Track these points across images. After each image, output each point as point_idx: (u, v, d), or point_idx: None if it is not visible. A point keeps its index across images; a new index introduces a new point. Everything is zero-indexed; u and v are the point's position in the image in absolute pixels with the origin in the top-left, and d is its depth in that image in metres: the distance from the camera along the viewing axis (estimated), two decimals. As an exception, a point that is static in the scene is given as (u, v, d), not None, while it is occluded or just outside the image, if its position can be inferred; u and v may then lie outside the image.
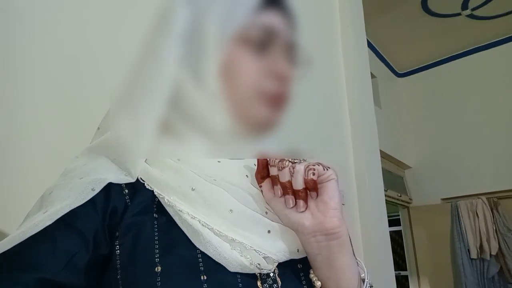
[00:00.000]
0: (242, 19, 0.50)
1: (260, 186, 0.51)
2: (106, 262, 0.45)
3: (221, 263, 0.44)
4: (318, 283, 0.49)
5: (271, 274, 0.48)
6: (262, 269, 0.46)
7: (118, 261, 0.44)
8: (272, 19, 0.52)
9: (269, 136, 0.53)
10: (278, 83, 0.51)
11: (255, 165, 0.52)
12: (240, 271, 0.45)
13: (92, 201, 0.44)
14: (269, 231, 0.48)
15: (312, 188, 0.47)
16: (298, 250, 0.49)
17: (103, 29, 0.72)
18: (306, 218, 0.48)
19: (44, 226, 0.41)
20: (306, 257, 0.51)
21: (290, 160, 0.48)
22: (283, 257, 0.48)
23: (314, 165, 0.47)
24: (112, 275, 0.44)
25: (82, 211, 0.44)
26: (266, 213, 0.50)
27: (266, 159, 0.50)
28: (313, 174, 0.46)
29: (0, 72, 0.72)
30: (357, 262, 0.52)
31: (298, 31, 0.55)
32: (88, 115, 0.56)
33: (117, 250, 0.44)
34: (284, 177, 0.48)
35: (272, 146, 0.53)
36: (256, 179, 0.51)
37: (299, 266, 0.51)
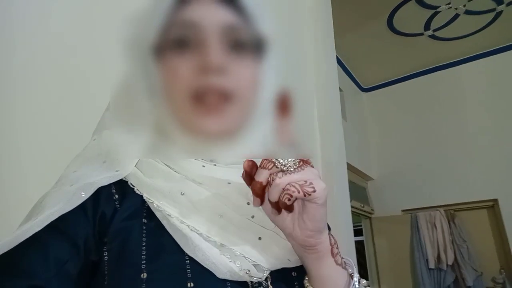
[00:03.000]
0: (162, 20, 0.45)
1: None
2: (95, 268, 0.44)
3: (210, 269, 0.43)
4: None
5: (263, 282, 0.47)
6: (252, 276, 0.45)
7: (106, 267, 0.43)
8: (192, 12, 0.45)
9: (231, 144, 0.46)
10: (208, 75, 0.44)
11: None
12: (230, 278, 0.44)
13: (83, 207, 0.44)
14: (259, 238, 0.47)
15: (285, 207, 0.41)
16: (289, 260, 0.48)
17: (105, 29, 0.71)
18: (287, 226, 0.44)
19: (33, 233, 0.40)
20: (301, 265, 0.49)
21: (279, 165, 0.41)
22: (273, 266, 0.47)
23: (294, 189, 0.40)
24: (99, 281, 0.43)
25: (73, 216, 0.43)
26: (253, 217, 0.48)
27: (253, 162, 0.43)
28: (288, 199, 0.40)
29: (0, 72, 0.70)
30: (344, 261, 0.50)
31: (243, 14, 0.47)
32: (90, 115, 0.55)
33: (105, 255, 0.44)
34: (259, 176, 0.41)
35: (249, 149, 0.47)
36: (246, 182, 0.44)
37: (293, 274, 0.50)
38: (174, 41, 0.45)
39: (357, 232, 4.48)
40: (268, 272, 0.47)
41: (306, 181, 0.40)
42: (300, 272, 0.50)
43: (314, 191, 0.40)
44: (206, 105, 0.44)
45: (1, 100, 0.71)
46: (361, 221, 4.34)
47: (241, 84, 0.46)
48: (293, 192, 0.39)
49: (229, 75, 0.44)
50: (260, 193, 0.41)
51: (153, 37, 0.45)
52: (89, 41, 0.79)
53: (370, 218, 4.27)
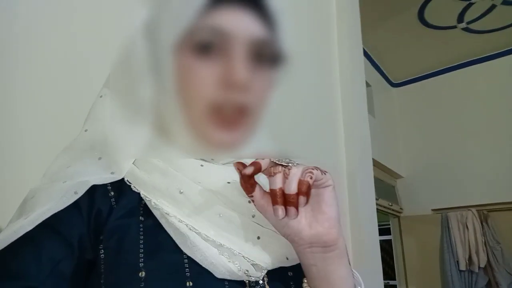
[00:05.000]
0: (190, 22, 0.44)
1: (251, 196, 0.44)
2: (91, 267, 0.43)
3: (208, 269, 0.43)
4: None
5: (260, 282, 0.46)
6: (250, 276, 0.44)
7: (102, 265, 0.43)
8: (223, 18, 0.44)
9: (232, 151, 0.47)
10: (233, 91, 0.44)
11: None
12: (228, 278, 0.44)
13: (76, 205, 0.43)
14: (258, 237, 0.46)
15: (304, 192, 0.41)
16: (287, 258, 0.48)
17: (107, 29, 0.71)
18: (303, 228, 0.43)
19: (24, 232, 0.40)
20: (297, 264, 0.49)
21: (283, 164, 0.43)
22: (272, 265, 0.46)
23: (312, 169, 0.42)
24: (95, 280, 0.43)
25: (67, 215, 0.42)
26: (253, 216, 0.47)
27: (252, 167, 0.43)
28: (311, 177, 0.41)
29: (0, 72, 0.71)
30: (352, 274, 0.49)
31: (272, 27, 0.47)
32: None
33: (101, 254, 0.43)
34: (275, 183, 0.41)
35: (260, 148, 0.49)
36: (245, 190, 0.44)
37: (289, 274, 0.50)
38: (198, 43, 0.44)
39: (385, 231, 4.40)
40: (265, 271, 0.46)
41: (313, 168, 0.42)
42: (296, 272, 0.50)
43: (327, 171, 0.43)
44: (223, 119, 0.45)
45: (1, 100, 0.71)
46: (389, 220, 4.25)
47: (258, 99, 0.47)
48: (313, 169, 0.41)
49: (250, 92, 0.45)
50: (283, 199, 0.41)
51: (176, 34, 0.44)
52: (92, 40, 0.79)
53: (398, 217, 4.18)
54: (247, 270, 0.44)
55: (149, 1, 0.48)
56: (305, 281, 0.48)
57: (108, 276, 0.42)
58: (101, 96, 0.51)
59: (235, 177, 0.45)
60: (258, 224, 0.47)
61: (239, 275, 0.44)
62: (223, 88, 0.44)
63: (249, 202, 0.46)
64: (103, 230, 0.44)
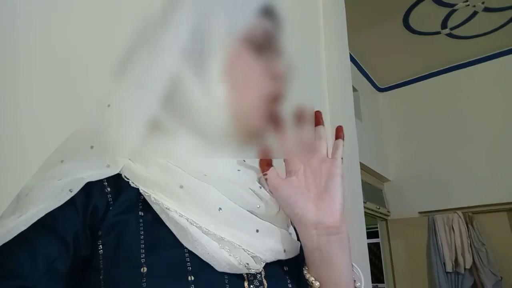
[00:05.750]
0: (247, 20, 0.51)
1: (265, 174, 0.50)
2: (88, 264, 0.43)
3: (209, 263, 0.43)
4: (317, 284, 0.48)
5: (258, 275, 0.47)
6: (250, 269, 0.45)
7: (101, 261, 0.42)
8: (269, 25, 0.53)
9: (256, 143, 0.51)
10: (277, 83, 0.51)
11: (244, 161, 0.53)
12: (228, 271, 0.44)
13: (72, 201, 0.42)
14: (257, 230, 0.47)
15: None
16: (285, 250, 0.49)
17: (108, 28, 0.71)
18: (309, 209, 0.48)
19: (18, 232, 0.39)
20: (293, 259, 0.50)
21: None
22: (270, 257, 0.47)
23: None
24: (93, 276, 0.42)
25: (62, 212, 0.42)
26: (259, 206, 0.48)
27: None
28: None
29: (1, 72, 0.71)
30: (352, 268, 0.51)
31: (284, 42, 0.55)
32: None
33: (100, 250, 0.42)
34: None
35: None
36: (261, 167, 0.51)
37: (285, 269, 0.51)
38: (252, 41, 0.51)
39: (373, 234, 4.43)
40: (264, 264, 0.47)
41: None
42: (292, 266, 0.51)
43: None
44: (271, 116, 0.51)
45: (2, 100, 0.71)
46: (377, 223, 4.28)
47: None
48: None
49: (286, 85, 0.53)
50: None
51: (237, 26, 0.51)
52: (93, 39, 0.79)
53: (386, 220, 4.21)
54: (247, 263, 0.44)
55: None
56: (306, 269, 0.50)
57: (108, 272, 0.42)
58: (109, 105, 0.50)
59: (236, 169, 0.51)
60: (257, 217, 0.48)
61: (239, 268, 0.44)
62: (270, 79, 0.51)
63: (251, 194, 0.49)
64: (100, 226, 0.43)
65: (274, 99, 0.51)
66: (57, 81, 0.76)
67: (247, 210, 0.47)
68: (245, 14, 0.51)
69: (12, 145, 0.70)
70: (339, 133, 0.55)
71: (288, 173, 0.53)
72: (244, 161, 0.53)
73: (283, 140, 0.50)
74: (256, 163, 0.53)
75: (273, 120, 0.50)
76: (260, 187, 0.51)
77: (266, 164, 0.51)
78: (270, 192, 0.51)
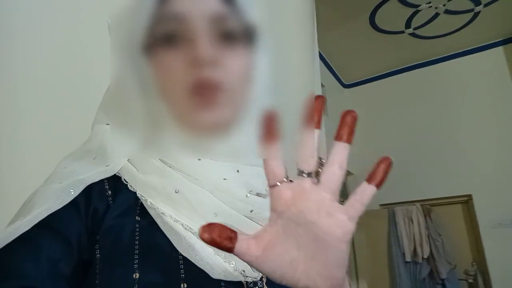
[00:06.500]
0: (147, 17, 0.43)
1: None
2: (88, 268, 0.42)
3: (204, 269, 0.42)
4: None
5: (259, 283, 0.45)
6: (247, 276, 0.43)
7: (98, 265, 0.41)
8: (178, 4, 0.43)
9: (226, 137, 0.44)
10: (201, 69, 0.42)
11: (238, 171, 0.48)
12: (224, 278, 0.42)
13: (74, 203, 0.42)
14: None
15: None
16: None
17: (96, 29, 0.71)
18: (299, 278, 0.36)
19: (20, 233, 0.38)
20: None
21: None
22: None
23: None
24: (91, 281, 0.41)
25: (65, 214, 0.41)
26: (251, 211, 0.46)
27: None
28: None
29: (1, 72, 0.69)
30: None
31: (228, 1, 0.45)
32: (91, 115, 0.55)
33: (97, 254, 0.42)
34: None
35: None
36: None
37: None
38: (162, 36, 0.43)
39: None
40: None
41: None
42: None
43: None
44: (200, 98, 0.42)
45: (2, 100, 0.70)
46: (340, 215, 4.37)
47: (233, 75, 0.44)
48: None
49: (221, 67, 0.43)
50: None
51: (141, 34, 0.43)
52: (93, 41, 0.78)
53: (349, 212, 4.30)
54: (243, 270, 0.43)
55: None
56: None
57: (102, 276, 0.41)
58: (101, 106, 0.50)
59: (232, 174, 0.46)
60: (254, 222, 0.46)
61: (235, 275, 0.43)
62: (192, 67, 0.42)
63: (247, 196, 0.45)
64: (99, 229, 0.43)
65: (202, 89, 0.42)
66: (57, 82, 0.75)
67: (243, 215, 0.46)
68: (145, 9, 0.43)
69: (12, 145, 0.69)
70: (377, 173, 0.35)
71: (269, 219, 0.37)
72: (238, 170, 0.48)
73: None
74: (248, 167, 0.49)
75: (201, 86, 0.42)
76: (251, 190, 0.47)
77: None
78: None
